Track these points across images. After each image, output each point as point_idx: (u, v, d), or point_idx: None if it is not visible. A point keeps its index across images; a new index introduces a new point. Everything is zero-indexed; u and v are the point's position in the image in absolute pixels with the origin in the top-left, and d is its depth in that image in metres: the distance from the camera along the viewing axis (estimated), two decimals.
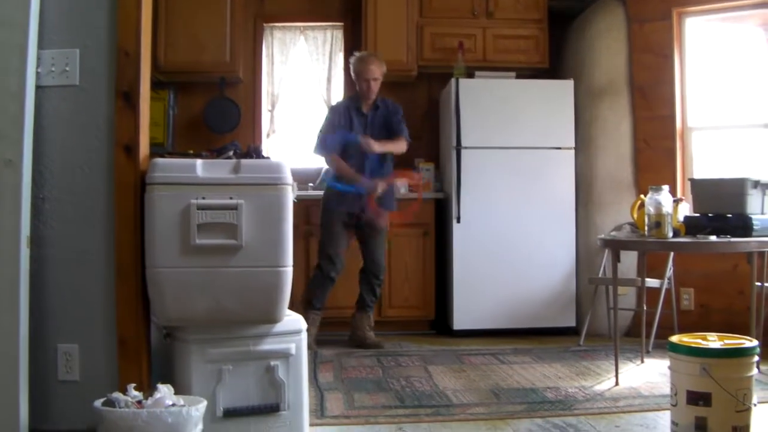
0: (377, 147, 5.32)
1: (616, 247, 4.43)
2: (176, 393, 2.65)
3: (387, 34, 6.30)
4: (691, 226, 4.24)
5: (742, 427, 2.89)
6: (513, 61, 6.38)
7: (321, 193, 5.68)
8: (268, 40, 6.72)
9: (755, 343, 3.05)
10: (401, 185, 5.98)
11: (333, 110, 5.65)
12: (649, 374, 4.46)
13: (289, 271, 2.88)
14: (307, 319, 5.35)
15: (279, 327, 2.96)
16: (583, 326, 5.62)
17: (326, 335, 5.57)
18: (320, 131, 5.51)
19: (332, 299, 5.62)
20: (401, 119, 5.59)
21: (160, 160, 2.84)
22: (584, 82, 6.17)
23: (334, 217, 5.45)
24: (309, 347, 5.18)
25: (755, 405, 2.96)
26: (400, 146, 5.48)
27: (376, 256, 5.51)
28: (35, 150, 2.80)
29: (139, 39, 2.88)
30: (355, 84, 5.62)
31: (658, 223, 4.02)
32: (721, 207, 4.27)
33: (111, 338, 2.85)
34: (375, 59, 5.59)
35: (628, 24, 6.04)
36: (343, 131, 5.44)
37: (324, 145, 5.43)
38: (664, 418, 3.37)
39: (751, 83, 5.82)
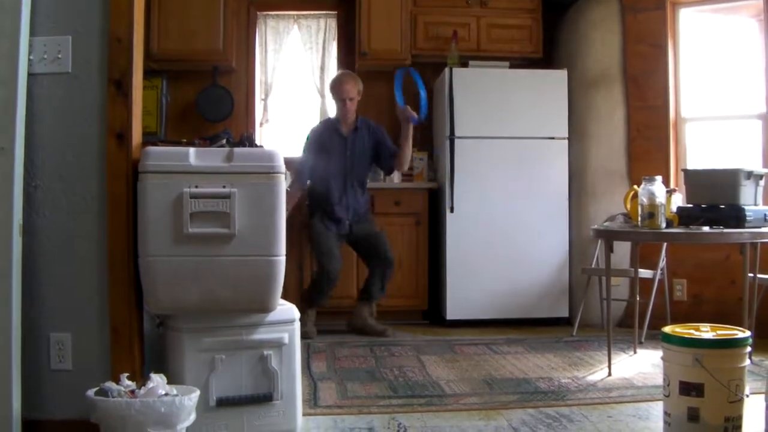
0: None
1: (609, 237, 4.43)
2: (169, 382, 2.64)
3: (380, 23, 6.29)
4: (684, 216, 4.24)
5: (735, 418, 2.89)
6: (507, 51, 6.37)
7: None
8: (262, 28, 6.69)
9: (747, 333, 3.05)
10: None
11: (313, 133, 5.76)
12: (641, 365, 4.47)
13: (282, 260, 2.87)
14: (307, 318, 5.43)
15: (272, 316, 2.96)
16: (576, 317, 5.64)
17: (319, 325, 5.56)
18: (301, 156, 5.65)
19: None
20: (391, 142, 5.73)
21: (152, 149, 2.82)
22: (578, 72, 6.16)
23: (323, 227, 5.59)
24: (307, 336, 5.28)
25: (747, 396, 2.96)
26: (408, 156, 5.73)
27: (381, 252, 5.55)
28: (27, 138, 2.78)
29: (131, 26, 2.86)
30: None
31: (651, 213, 4.02)
32: (714, 198, 4.27)
33: (104, 327, 2.84)
34: (350, 78, 5.70)
35: (621, 14, 6.03)
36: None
37: (299, 177, 5.58)
38: (657, 409, 3.37)
39: (744, 74, 5.82)
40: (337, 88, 5.67)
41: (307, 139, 5.73)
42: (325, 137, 5.65)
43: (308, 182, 5.65)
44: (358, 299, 5.67)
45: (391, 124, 6.58)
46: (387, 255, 5.54)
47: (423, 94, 5.86)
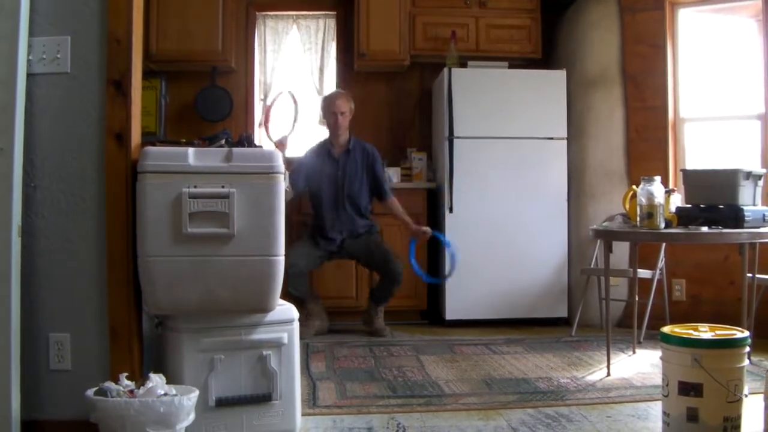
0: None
1: (608, 237, 4.43)
2: (168, 382, 2.64)
3: (379, 23, 6.29)
4: (683, 216, 4.25)
5: (734, 418, 2.89)
6: (505, 51, 6.38)
7: None
8: (261, 29, 6.69)
9: (746, 333, 3.05)
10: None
11: (306, 156, 5.73)
12: (640, 365, 4.47)
13: (281, 260, 2.87)
14: (308, 316, 5.37)
15: (271, 316, 2.96)
16: (575, 317, 5.64)
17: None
18: (294, 167, 5.56)
19: (324, 290, 5.63)
20: (383, 170, 5.75)
21: (151, 149, 2.82)
22: (577, 72, 6.17)
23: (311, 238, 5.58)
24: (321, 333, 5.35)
25: (746, 396, 2.96)
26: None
27: (388, 266, 5.49)
28: (26, 138, 2.78)
29: (130, 27, 2.86)
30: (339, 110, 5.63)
31: (650, 213, 4.02)
32: (713, 198, 4.27)
33: (103, 327, 2.84)
34: (342, 95, 5.71)
35: (620, 14, 6.03)
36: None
37: (292, 185, 5.47)
38: (656, 409, 3.38)
39: (743, 74, 5.83)
40: (328, 102, 5.66)
41: (305, 153, 5.72)
42: (317, 160, 5.61)
43: (302, 189, 5.60)
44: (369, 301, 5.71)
45: (390, 127, 6.63)
46: (393, 268, 5.48)
47: (456, 256, 5.61)
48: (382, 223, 5.85)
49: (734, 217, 4.11)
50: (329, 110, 5.62)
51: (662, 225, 4.05)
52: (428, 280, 5.81)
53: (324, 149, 5.66)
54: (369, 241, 5.61)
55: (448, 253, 5.70)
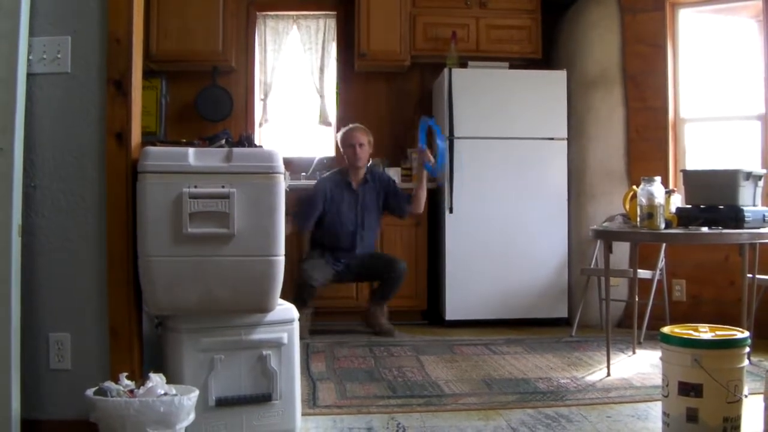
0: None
1: (608, 238, 4.43)
2: (168, 382, 2.64)
3: (380, 23, 6.29)
4: (683, 217, 4.24)
5: (733, 418, 2.89)
6: (506, 51, 6.37)
7: (314, 182, 5.70)
8: (261, 29, 6.69)
9: (746, 334, 3.05)
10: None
11: (321, 183, 5.68)
12: (640, 365, 4.47)
13: (281, 260, 2.87)
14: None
15: (271, 316, 2.96)
16: (575, 317, 5.63)
17: (318, 325, 5.57)
18: (304, 200, 5.53)
19: (324, 290, 5.62)
20: (400, 191, 5.72)
21: (151, 149, 2.82)
22: (577, 73, 6.16)
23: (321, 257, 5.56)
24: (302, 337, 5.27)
25: (746, 396, 2.96)
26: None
27: (396, 264, 5.52)
28: (26, 138, 2.78)
29: (130, 26, 2.86)
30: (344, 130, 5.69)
31: (650, 214, 4.02)
32: (713, 198, 4.27)
33: (103, 327, 2.84)
34: (360, 128, 5.70)
35: (620, 14, 6.03)
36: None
37: (302, 218, 5.46)
38: (656, 409, 3.38)
39: (744, 75, 5.82)
40: (347, 134, 5.64)
41: (316, 185, 5.66)
42: (335, 192, 5.57)
43: (309, 226, 5.57)
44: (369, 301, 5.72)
45: (391, 128, 6.62)
46: (400, 266, 5.51)
47: (441, 144, 5.56)
48: (382, 223, 5.85)
49: (734, 217, 4.11)
50: (347, 143, 5.60)
51: (662, 225, 4.04)
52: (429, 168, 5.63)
53: (343, 180, 5.63)
54: (365, 255, 5.65)
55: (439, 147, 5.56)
